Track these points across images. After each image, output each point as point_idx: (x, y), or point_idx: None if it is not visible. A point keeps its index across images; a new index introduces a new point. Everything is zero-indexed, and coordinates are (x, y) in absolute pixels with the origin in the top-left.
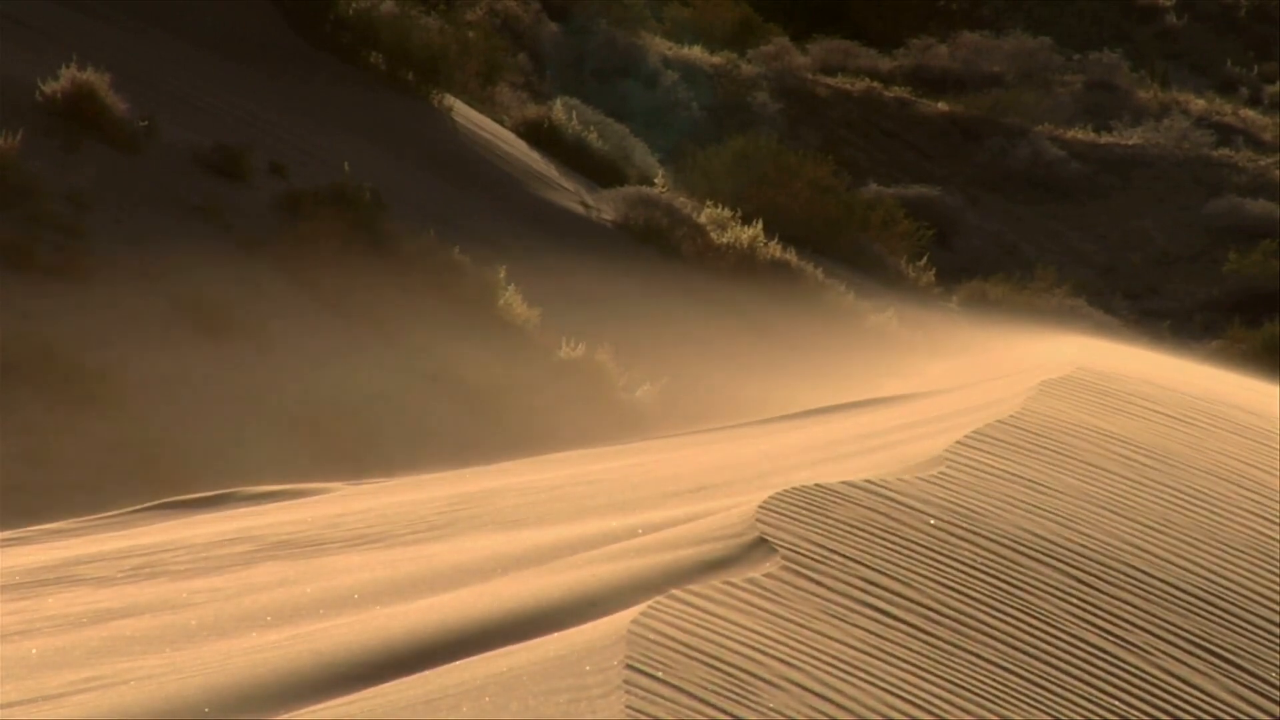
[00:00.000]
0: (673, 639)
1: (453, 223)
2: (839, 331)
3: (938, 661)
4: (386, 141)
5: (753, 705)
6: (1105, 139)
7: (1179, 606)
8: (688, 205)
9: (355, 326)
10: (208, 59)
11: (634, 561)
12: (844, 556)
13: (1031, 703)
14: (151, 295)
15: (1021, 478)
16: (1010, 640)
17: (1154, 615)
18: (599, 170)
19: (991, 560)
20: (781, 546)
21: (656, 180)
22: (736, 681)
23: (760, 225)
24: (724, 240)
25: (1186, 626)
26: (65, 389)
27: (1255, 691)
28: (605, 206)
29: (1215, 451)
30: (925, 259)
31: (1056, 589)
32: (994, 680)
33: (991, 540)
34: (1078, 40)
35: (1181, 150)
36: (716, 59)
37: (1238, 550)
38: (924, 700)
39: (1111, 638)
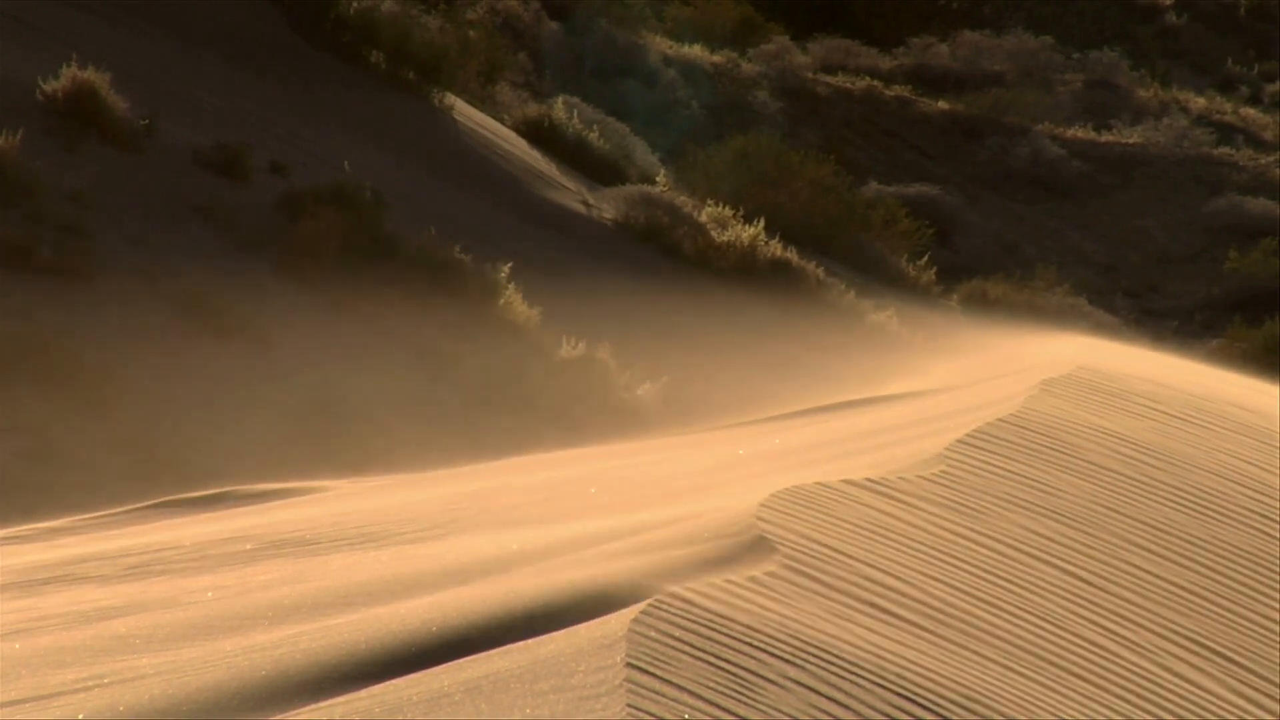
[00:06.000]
0: (674, 637)
1: (453, 222)
2: (840, 330)
3: (940, 660)
4: (387, 141)
5: (754, 704)
6: (1106, 138)
7: (1181, 605)
8: (688, 204)
9: (355, 326)
10: (208, 58)
11: (635, 560)
12: (845, 555)
13: (1035, 701)
14: (152, 295)
15: (1023, 476)
16: (1012, 639)
17: (1156, 614)
18: (599, 169)
19: (993, 559)
20: (782, 545)
21: (657, 179)
22: (738, 680)
23: (761, 224)
24: (725, 239)
25: (1188, 625)
26: (65, 388)
27: (1256, 690)
28: (606, 205)
29: (1216, 450)
30: (926, 258)
31: (1058, 587)
32: (997, 679)
33: (993, 539)
34: (1078, 39)
35: (1182, 149)
36: (717, 58)
37: (1239, 549)
38: (927, 699)
39: (1114, 636)
